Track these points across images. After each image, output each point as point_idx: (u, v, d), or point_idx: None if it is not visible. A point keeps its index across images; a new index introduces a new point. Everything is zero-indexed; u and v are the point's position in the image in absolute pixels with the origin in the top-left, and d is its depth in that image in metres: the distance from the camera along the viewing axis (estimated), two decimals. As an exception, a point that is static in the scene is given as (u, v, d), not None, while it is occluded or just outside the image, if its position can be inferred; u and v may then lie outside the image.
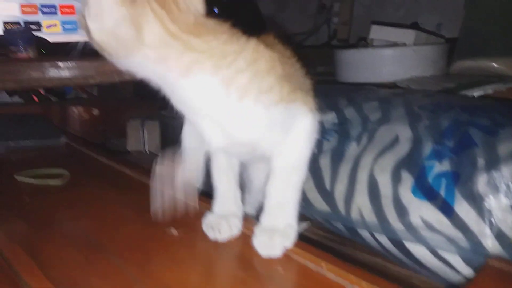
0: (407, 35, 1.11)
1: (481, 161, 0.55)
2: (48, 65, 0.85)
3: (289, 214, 0.47)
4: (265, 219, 0.47)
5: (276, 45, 0.50)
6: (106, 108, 1.17)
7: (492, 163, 0.54)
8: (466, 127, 0.60)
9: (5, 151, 0.84)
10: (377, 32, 1.17)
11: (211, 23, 0.42)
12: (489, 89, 0.87)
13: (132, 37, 0.37)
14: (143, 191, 0.61)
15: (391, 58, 1.08)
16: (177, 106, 0.43)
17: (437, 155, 0.59)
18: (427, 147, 0.61)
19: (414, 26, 1.68)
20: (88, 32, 0.38)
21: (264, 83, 0.42)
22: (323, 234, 0.75)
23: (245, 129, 0.43)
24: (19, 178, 0.70)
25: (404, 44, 1.11)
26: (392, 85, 1.05)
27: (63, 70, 0.86)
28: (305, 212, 0.73)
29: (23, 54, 0.91)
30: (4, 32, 0.96)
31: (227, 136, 0.44)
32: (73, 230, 0.54)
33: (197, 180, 0.52)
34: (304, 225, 0.77)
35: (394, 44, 1.12)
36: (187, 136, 0.52)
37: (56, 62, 0.86)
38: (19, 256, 0.46)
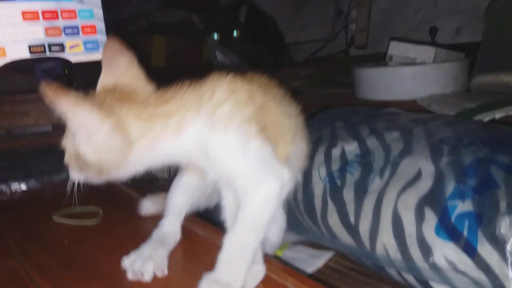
0: (427, 51, 1.11)
1: (503, 204, 0.56)
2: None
3: (235, 273, 0.48)
4: (216, 269, 0.48)
5: (267, 85, 0.55)
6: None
7: (515, 207, 0.55)
8: (488, 165, 0.60)
9: (40, 186, 0.89)
10: (396, 48, 1.17)
11: (169, 89, 0.49)
12: (510, 111, 0.86)
13: (123, 139, 0.45)
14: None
15: (410, 76, 1.08)
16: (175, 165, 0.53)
17: (460, 195, 0.60)
18: (450, 185, 0.62)
19: (433, 30, 1.67)
20: (83, 165, 0.47)
21: (244, 113, 0.47)
22: (348, 264, 0.77)
23: (225, 160, 0.48)
24: (56, 219, 0.74)
25: (423, 61, 1.11)
26: (412, 104, 1.05)
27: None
28: (331, 244, 0.75)
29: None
30: (35, 68, 1.00)
31: (214, 169, 0.49)
32: (113, 281, 0.57)
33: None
34: (329, 255, 0.79)
35: (413, 62, 1.12)
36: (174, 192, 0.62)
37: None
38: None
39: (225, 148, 0.47)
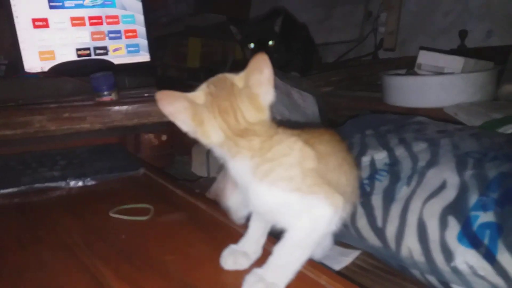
0: (456, 62, 1.14)
1: (523, 217, 0.61)
2: (129, 108, 0.97)
3: (281, 276, 0.54)
4: (264, 267, 0.54)
5: (330, 141, 0.61)
6: (172, 133, 1.30)
7: (533, 220, 0.60)
8: (511, 180, 0.66)
9: (95, 184, 0.98)
10: (425, 57, 1.20)
11: (260, 127, 0.55)
12: (536, 123, 0.90)
13: (205, 140, 0.55)
14: (216, 227, 0.73)
15: (439, 85, 1.12)
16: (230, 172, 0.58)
17: (483, 206, 0.65)
18: (473, 197, 0.67)
19: (463, 33, 1.69)
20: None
21: (285, 173, 0.53)
22: (374, 263, 0.83)
23: (262, 203, 0.55)
24: (112, 214, 0.83)
25: (452, 71, 1.14)
26: (439, 112, 1.09)
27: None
28: (359, 245, 0.82)
29: (107, 98, 1.04)
30: (90, 78, 1.10)
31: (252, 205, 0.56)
32: (168, 271, 0.65)
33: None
34: (356, 253, 0.85)
35: (442, 72, 1.16)
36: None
37: (135, 104, 0.98)
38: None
39: (262, 193, 0.54)
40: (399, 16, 1.90)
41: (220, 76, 0.57)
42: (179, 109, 0.54)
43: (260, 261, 0.58)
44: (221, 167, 0.71)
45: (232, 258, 0.59)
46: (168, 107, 0.54)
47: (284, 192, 0.52)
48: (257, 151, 0.54)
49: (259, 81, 0.54)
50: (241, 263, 0.59)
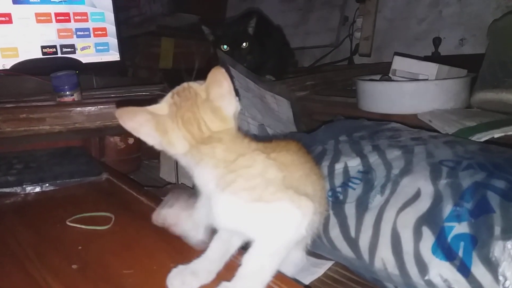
0: (430, 68, 1.14)
1: (497, 228, 0.59)
2: (92, 109, 0.92)
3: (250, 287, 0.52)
4: (233, 280, 0.53)
5: (296, 152, 0.62)
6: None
7: (507, 232, 0.58)
8: (485, 190, 0.64)
9: (54, 190, 0.92)
10: (399, 63, 1.20)
11: (224, 135, 0.55)
12: (509, 131, 0.89)
13: (171, 150, 0.56)
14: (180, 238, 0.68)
15: (413, 92, 1.11)
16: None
17: (457, 217, 0.63)
18: (448, 207, 0.65)
19: (437, 40, 1.70)
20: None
21: (247, 183, 0.53)
22: (346, 275, 0.80)
23: (225, 214, 0.54)
24: (70, 223, 0.77)
25: (426, 77, 1.14)
26: (413, 118, 1.08)
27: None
28: (331, 256, 0.79)
29: (68, 98, 0.98)
30: (51, 78, 1.04)
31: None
32: (125, 285, 0.60)
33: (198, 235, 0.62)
34: (329, 264, 0.82)
35: (416, 78, 1.15)
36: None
37: (99, 106, 0.93)
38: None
39: (224, 205, 0.53)
40: (375, 22, 1.91)
41: (185, 85, 0.58)
42: (140, 122, 0.55)
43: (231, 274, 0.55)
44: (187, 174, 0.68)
45: (180, 278, 0.56)
46: (129, 122, 0.55)
47: (246, 202, 0.52)
48: (221, 161, 0.54)
49: (219, 94, 0.55)
50: (189, 283, 0.56)
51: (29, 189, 0.91)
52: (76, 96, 1.01)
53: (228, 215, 0.54)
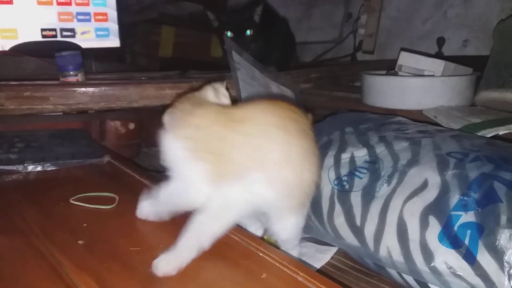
0: (436, 65, 1.14)
1: (503, 218, 0.60)
2: (96, 90, 0.91)
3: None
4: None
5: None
6: (141, 121, 1.24)
7: (514, 221, 0.58)
8: (492, 181, 0.64)
9: (55, 170, 0.91)
10: (406, 59, 1.20)
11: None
12: (513, 129, 0.90)
13: None
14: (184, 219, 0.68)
15: (419, 88, 1.11)
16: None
17: (464, 206, 0.64)
18: (455, 197, 0.66)
19: (440, 41, 1.71)
20: None
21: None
22: (349, 263, 0.81)
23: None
24: (74, 202, 0.76)
25: (432, 73, 1.14)
26: (418, 114, 1.09)
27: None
28: (335, 243, 0.79)
29: (73, 78, 0.97)
30: (56, 57, 1.02)
31: None
32: (132, 262, 0.60)
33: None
34: (334, 250, 0.82)
35: (422, 74, 1.16)
36: None
37: (103, 87, 0.92)
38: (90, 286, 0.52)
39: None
40: (379, 19, 1.91)
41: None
42: None
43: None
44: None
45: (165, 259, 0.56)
46: None
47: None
48: None
49: None
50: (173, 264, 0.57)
51: (30, 167, 0.90)
52: (80, 77, 1.00)
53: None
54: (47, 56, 1.23)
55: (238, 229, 0.65)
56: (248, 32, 1.38)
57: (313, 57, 2.14)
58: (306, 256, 0.77)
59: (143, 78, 1.29)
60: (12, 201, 0.77)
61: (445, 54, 1.70)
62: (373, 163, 0.79)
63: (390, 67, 1.33)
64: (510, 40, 1.13)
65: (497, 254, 0.59)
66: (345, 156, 0.83)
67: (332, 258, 0.82)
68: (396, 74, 1.23)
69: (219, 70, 1.36)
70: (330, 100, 1.40)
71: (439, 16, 1.82)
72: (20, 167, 0.90)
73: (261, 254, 0.58)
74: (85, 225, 0.69)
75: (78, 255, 0.60)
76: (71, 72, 0.97)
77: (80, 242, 0.63)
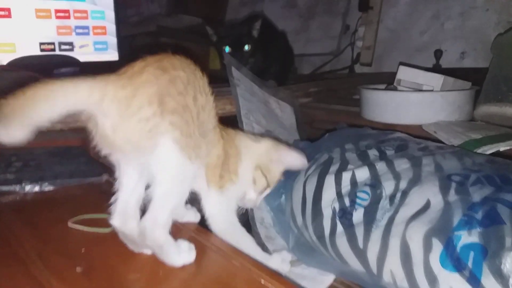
0: (435, 79, 1.14)
1: (508, 240, 0.59)
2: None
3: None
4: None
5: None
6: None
7: (520, 245, 0.58)
8: (494, 203, 0.64)
9: (53, 189, 0.90)
10: (404, 73, 1.20)
11: None
12: (514, 145, 0.90)
13: None
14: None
15: (418, 102, 1.11)
16: None
17: (466, 225, 0.63)
18: (457, 217, 0.65)
19: (438, 53, 1.71)
20: None
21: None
22: (352, 286, 0.80)
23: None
24: (72, 225, 0.75)
25: (431, 88, 1.14)
26: (418, 129, 1.08)
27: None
28: (338, 272, 0.78)
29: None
30: (55, 74, 1.01)
31: None
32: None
33: None
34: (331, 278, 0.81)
35: (421, 89, 1.15)
36: None
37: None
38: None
39: None
40: (377, 31, 1.91)
41: None
42: None
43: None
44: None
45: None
46: None
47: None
48: None
49: None
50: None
51: (28, 187, 0.89)
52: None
53: None
54: (45, 71, 1.22)
55: (240, 253, 0.64)
56: (246, 47, 1.38)
57: (312, 69, 2.14)
58: (307, 278, 0.76)
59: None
60: (9, 224, 0.76)
61: (443, 66, 1.70)
62: (375, 183, 0.78)
63: (388, 80, 1.33)
64: (509, 54, 1.13)
65: (503, 278, 0.58)
66: (346, 176, 0.83)
67: (335, 280, 0.81)
68: (395, 88, 1.22)
69: (217, 83, 1.35)
70: (329, 114, 1.39)
71: (436, 28, 1.83)
72: (17, 187, 0.88)
73: (263, 282, 0.57)
74: (83, 250, 0.68)
75: (76, 283, 0.58)
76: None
77: (78, 269, 0.61)
